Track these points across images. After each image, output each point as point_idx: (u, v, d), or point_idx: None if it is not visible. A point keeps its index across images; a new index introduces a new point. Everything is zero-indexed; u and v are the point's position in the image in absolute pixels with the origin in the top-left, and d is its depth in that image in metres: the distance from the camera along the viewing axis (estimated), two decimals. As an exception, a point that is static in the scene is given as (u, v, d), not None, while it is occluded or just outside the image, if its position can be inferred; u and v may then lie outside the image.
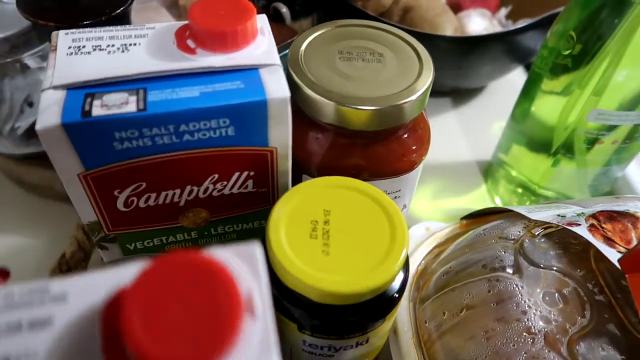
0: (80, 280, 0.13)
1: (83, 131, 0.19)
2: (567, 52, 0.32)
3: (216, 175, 0.23)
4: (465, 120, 0.49)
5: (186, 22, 0.23)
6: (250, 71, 0.21)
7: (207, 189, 0.23)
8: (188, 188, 0.23)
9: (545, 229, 0.26)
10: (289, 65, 0.26)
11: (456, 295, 0.27)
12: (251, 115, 0.21)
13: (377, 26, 0.29)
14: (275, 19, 0.40)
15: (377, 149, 0.27)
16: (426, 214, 0.41)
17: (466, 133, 0.48)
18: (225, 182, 0.23)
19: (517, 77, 0.52)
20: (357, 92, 0.25)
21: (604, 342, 0.22)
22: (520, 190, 0.42)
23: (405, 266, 0.24)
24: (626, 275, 0.22)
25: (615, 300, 0.23)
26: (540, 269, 0.25)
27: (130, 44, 0.22)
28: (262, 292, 0.13)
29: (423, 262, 0.32)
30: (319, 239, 0.22)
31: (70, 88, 0.20)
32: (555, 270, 0.25)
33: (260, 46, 0.22)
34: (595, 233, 0.25)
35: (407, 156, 0.28)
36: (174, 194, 0.23)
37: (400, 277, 0.24)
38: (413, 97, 0.25)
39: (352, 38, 0.28)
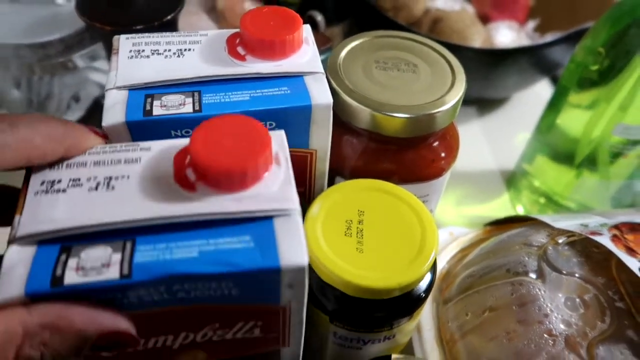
0: (163, 141, 0.19)
1: (144, 129, 0.20)
2: (595, 68, 0.33)
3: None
4: (489, 130, 0.50)
5: (237, 30, 0.24)
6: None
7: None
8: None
9: (569, 237, 0.27)
10: (328, 72, 0.28)
11: (479, 297, 0.28)
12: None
13: (412, 38, 0.30)
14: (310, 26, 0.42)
15: (408, 155, 0.28)
16: (449, 219, 0.42)
17: (490, 142, 0.49)
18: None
19: (542, 89, 0.53)
20: (392, 100, 0.27)
21: (623, 347, 0.23)
22: (542, 200, 0.42)
23: (433, 268, 0.26)
24: (646, 284, 0.23)
25: (635, 308, 0.24)
26: (563, 275, 0.26)
27: (185, 49, 0.23)
28: (285, 156, 0.19)
29: (446, 265, 0.33)
30: (353, 237, 0.23)
31: (132, 89, 0.21)
32: (577, 277, 0.26)
33: (305, 55, 0.24)
34: (618, 243, 0.25)
35: (437, 163, 0.29)
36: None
37: (428, 277, 0.25)
38: (445, 108, 0.27)
39: (388, 49, 0.29)
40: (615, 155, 0.35)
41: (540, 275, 0.26)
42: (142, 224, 0.16)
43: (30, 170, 0.18)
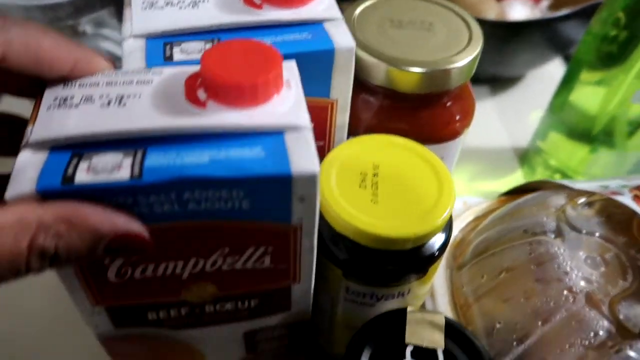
0: (174, 67, 0.19)
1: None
2: (613, 35, 0.33)
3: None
4: (503, 108, 0.50)
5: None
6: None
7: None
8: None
9: (589, 197, 0.27)
10: (342, 29, 0.27)
11: (495, 260, 0.27)
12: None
13: (427, -2, 0.30)
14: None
15: (423, 115, 0.28)
16: (461, 193, 0.42)
17: (504, 120, 0.49)
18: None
19: (555, 68, 0.52)
20: (407, 56, 0.26)
21: (646, 304, 0.23)
22: (557, 176, 0.42)
23: (448, 228, 0.25)
24: (670, 238, 0.22)
25: (657, 266, 0.24)
26: (583, 235, 0.25)
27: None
28: (296, 82, 0.19)
29: (460, 234, 0.33)
30: (368, 189, 0.23)
31: (150, 38, 0.21)
32: (597, 236, 0.25)
33: (322, 3, 0.23)
34: (639, 203, 0.25)
35: (451, 124, 0.29)
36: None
37: (442, 237, 0.24)
38: (460, 64, 0.26)
39: (403, 8, 0.29)
40: (634, 125, 0.35)
41: (559, 234, 0.25)
42: (153, 134, 0.16)
43: (43, 88, 0.18)
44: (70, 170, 0.15)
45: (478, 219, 0.33)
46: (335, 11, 0.23)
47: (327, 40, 0.22)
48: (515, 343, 0.24)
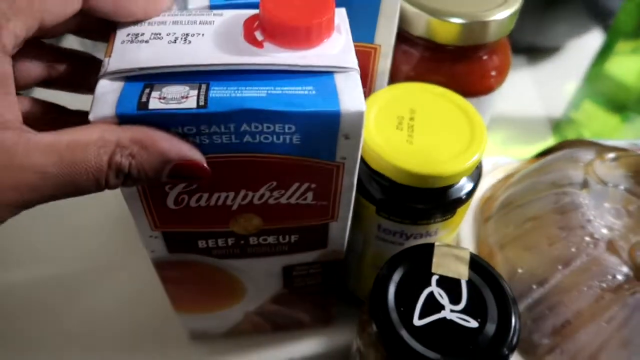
0: (235, 10, 0.20)
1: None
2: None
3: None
4: (539, 78, 0.50)
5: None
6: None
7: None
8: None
9: (618, 153, 0.27)
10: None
11: (521, 210, 0.28)
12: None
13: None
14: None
15: (460, 68, 0.29)
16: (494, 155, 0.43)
17: (539, 90, 0.49)
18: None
19: (594, 39, 0.52)
20: (447, 8, 0.27)
21: (666, 253, 0.23)
22: (589, 145, 0.42)
23: (477, 176, 0.26)
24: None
25: (680, 220, 0.24)
26: (609, 187, 0.26)
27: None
28: (346, 27, 0.20)
29: (489, 191, 0.34)
30: (404, 131, 0.24)
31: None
32: (623, 189, 0.26)
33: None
34: (668, 158, 0.25)
35: (486, 79, 0.30)
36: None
37: (470, 183, 0.26)
38: (498, 17, 0.27)
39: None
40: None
41: (585, 186, 0.26)
42: (216, 69, 0.18)
43: (115, 26, 0.20)
44: (144, 98, 0.17)
45: (508, 177, 0.34)
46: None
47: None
48: (535, 286, 0.26)
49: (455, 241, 0.32)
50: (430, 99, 0.26)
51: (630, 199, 0.25)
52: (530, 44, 0.50)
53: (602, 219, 0.25)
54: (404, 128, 0.24)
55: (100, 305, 0.33)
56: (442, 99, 0.26)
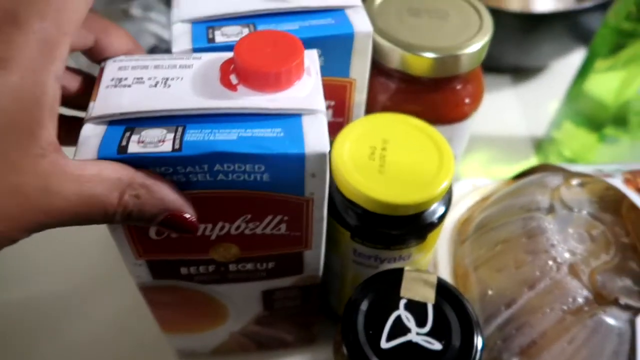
0: (212, 53, 0.22)
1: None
2: (626, 28, 0.34)
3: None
4: (523, 98, 0.51)
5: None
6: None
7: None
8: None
9: (583, 179, 0.29)
10: (363, 16, 0.30)
11: (493, 233, 0.30)
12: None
13: (444, -12, 0.32)
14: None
15: (434, 97, 0.30)
16: (476, 176, 0.44)
17: (523, 110, 0.50)
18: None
19: (579, 59, 0.53)
20: (421, 42, 0.29)
21: (624, 276, 0.25)
22: (569, 165, 0.43)
23: (448, 200, 0.28)
24: (651, 217, 0.24)
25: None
26: (573, 212, 0.27)
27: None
28: (316, 69, 0.21)
29: (467, 212, 0.35)
30: (376, 161, 0.26)
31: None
32: (587, 214, 0.27)
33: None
34: (630, 185, 0.27)
35: (460, 107, 0.31)
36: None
37: (441, 208, 0.27)
38: (469, 50, 0.28)
39: (421, -3, 0.31)
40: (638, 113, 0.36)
41: (551, 211, 0.28)
42: (192, 113, 0.19)
43: (101, 71, 0.21)
44: (124, 142, 0.18)
45: (484, 199, 0.35)
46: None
47: (348, 25, 0.24)
48: (503, 307, 0.27)
49: (433, 262, 0.33)
50: (402, 129, 0.27)
51: (593, 224, 0.27)
52: (514, 64, 0.52)
53: (565, 244, 0.26)
54: (376, 158, 0.26)
55: (92, 323, 0.34)
56: (413, 128, 0.27)
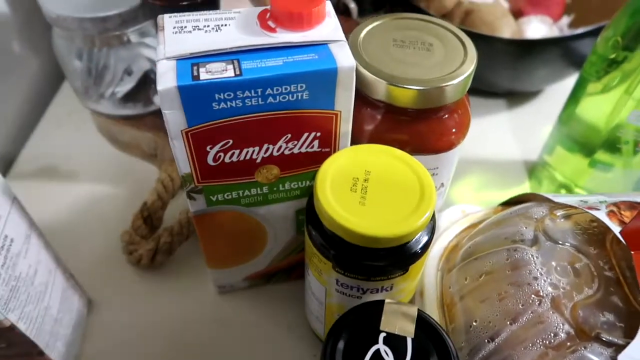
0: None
1: (193, 92, 0.24)
2: (613, 57, 0.34)
3: (289, 135, 0.27)
4: (518, 122, 0.51)
5: (267, 7, 0.27)
6: (322, 46, 0.25)
7: (280, 147, 0.27)
8: (265, 146, 0.27)
9: (567, 211, 0.29)
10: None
11: (478, 263, 0.30)
12: (323, 81, 0.25)
13: (430, 20, 0.32)
14: (344, 14, 0.45)
15: (420, 127, 0.31)
16: (468, 203, 0.44)
17: (517, 134, 0.50)
18: (296, 142, 0.27)
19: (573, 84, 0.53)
20: (406, 74, 0.29)
21: (606, 311, 0.25)
22: (563, 191, 0.43)
23: (431, 229, 0.28)
24: (632, 252, 0.24)
25: (623, 279, 0.26)
26: (557, 245, 0.27)
27: (222, 25, 0.26)
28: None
29: (455, 239, 0.35)
30: (358, 193, 0.26)
31: (180, 59, 0.24)
32: (570, 246, 0.27)
33: (328, 26, 0.26)
34: (613, 218, 0.27)
35: (446, 136, 0.31)
36: (253, 151, 0.27)
37: (424, 237, 0.27)
38: (454, 82, 0.29)
39: (406, 29, 0.32)
40: (634, 144, 0.36)
41: (535, 243, 0.28)
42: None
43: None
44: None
45: (473, 225, 0.35)
46: (339, 34, 0.26)
47: (332, 60, 0.25)
48: (487, 340, 0.27)
49: (420, 289, 0.33)
50: (384, 161, 0.27)
51: (576, 257, 0.27)
52: (509, 88, 0.52)
53: (549, 276, 0.26)
54: (358, 190, 0.26)
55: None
56: (395, 159, 0.27)
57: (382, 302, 0.25)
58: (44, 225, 0.32)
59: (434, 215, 0.27)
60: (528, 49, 0.44)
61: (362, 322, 0.24)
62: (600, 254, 0.26)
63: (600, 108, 0.36)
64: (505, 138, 0.50)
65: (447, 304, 0.31)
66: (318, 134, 0.27)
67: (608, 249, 0.27)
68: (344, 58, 0.25)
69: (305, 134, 0.27)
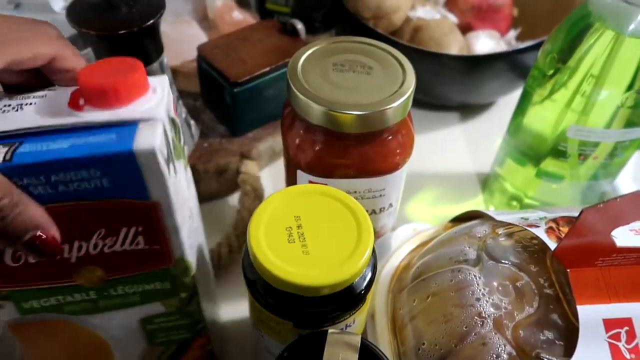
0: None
1: None
2: (550, 72, 0.35)
3: (103, 230, 0.22)
4: (470, 134, 0.52)
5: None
6: (129, 126, 0.21)
7: (97, 244, 0.23)
8: (77, 243, 0.22)
9: (508, 229, 0.29)
10: (288, 74, 0.30)
11: (425, 284, 0.30)
12: (120, 167, 0.20)
13: (369, 42, 0.32)
14: (292, 34, 0.45)
15: (363, 150, 0.31)
16: (422, 218, 0.44)
17: (470, 146, 0.51)
18: (114, 238, 0.23)
19: (524, 95, 0.54)
20: (345, 99, 0.29)
21: (547, 330, 0.25)
22: (514, 202, 0.44)
23: (373, 266, 0.26)
24: (567, 270, 0.25)
25: (562, 295, 0.26)
26: (499, 264, 0.28)
27: (27, 104, 0.22)
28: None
29: (406, 258, 0.35)
30: (297, 243, 0.24)
31: None
32: (512, 265, 0.27)
33: (150, 101, 0.22)
34: (551, 234, 0.27)
35: (391, 158, 0.31)
36: (62, 250, 0.22)
37: (369, 271, 0.26)
38: (393, 105, 0.29)
39: (346, 52, 0.32)
40: (575, 156, 0.37)
41: (478, 263, 0.28)
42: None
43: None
44: None
45: (423, 244, 0.35)
46: (158, 111, 0.22)
47: (128, 141, 0.21)
48: (435, 362, 0.27)
49: (372, 311, 0.33)
50: (311, 200, 0.26)
51: (517, 275, 0.27)
52: (461, 101, 0.53)
53: (491, 297, 0.26)
54: (296, 239, 0.24)
55: None
56: (324, 197, 0.26)
57: (325, 332, 0.25)
58: None
59: (374, 249, 0.26)
60: (476, 63, 0.45)
61: (305, 355, 0.24)
62: (541, 272, 0.27)
63: (545, 117, 0.37)
64: (459, 151, 0.51)
65: (399, 326, 0.31)
66: (140, 229, 0.23)
67: (548, 265, 0.27)
68: (145, 140, 0.20)
69: (124, 229, 0.23)
